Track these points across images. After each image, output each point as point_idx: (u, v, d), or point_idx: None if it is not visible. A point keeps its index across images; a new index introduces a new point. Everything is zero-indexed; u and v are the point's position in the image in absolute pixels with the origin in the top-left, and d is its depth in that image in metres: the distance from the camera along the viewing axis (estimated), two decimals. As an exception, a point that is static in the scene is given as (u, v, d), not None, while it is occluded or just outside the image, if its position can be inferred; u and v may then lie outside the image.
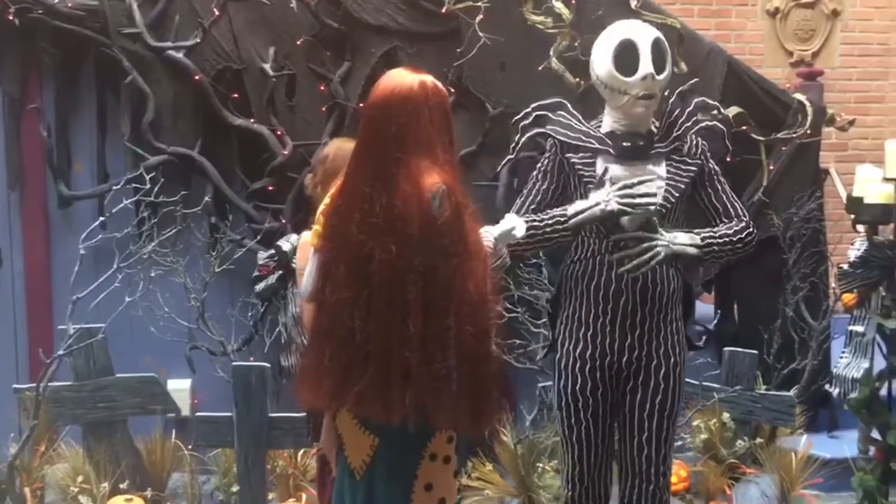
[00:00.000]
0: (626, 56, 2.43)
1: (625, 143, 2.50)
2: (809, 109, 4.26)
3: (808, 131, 4.25)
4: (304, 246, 2.68)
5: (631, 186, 2.41)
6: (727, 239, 2.53)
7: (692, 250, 2.48)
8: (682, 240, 2.48)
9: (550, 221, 2.48)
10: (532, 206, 2.57)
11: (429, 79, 2.06)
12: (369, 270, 1.97)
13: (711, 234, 2.53)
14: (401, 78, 2.05)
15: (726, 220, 2.57)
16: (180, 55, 3.90)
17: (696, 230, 2.54)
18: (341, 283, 2.01)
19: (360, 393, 1.98)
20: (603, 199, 2.42)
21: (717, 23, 5.81)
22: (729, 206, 2.59)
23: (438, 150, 2.01)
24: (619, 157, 2.50)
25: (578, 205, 2.46)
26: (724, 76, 4.19)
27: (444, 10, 3.93)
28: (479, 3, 3.88)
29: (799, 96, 4.35)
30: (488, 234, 2.28)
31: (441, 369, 1.95)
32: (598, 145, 2.51)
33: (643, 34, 2.46)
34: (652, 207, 2.44)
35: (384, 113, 2.02)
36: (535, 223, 2.48)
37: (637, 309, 2.49)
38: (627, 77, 2.43)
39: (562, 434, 2.61)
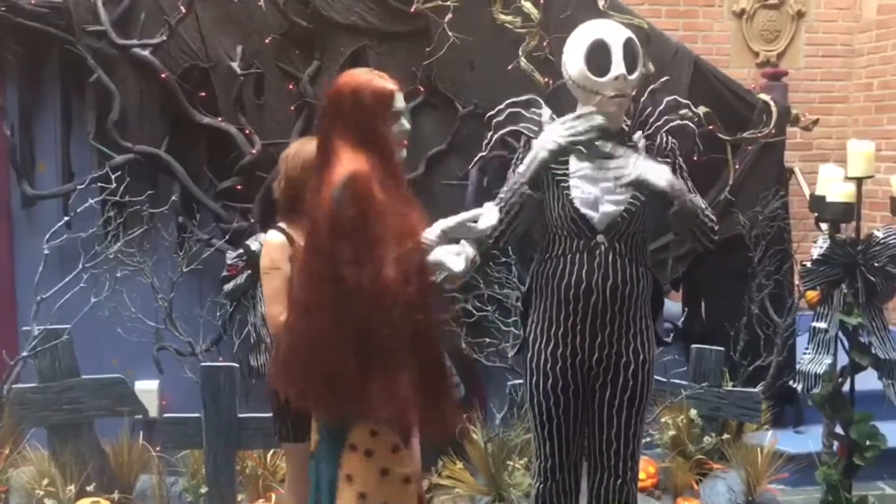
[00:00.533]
0: (598, 56, 2.45)
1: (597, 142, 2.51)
2: (774, 109, 4.31)
3: (773, 131, 4.31)
4: (267, 245, 2.67)
5: (574, 122, 2.44)
6: (701, 208, 2.54)
7: (662, 183, 2.45)
8: (653, 167, 2.46)
9: (510, 193, 2.50)
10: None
11: (359, 79, 2.20)
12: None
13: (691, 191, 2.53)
14: (346, 76, 2.25)
15: None
16: (146, 53, 3.86)
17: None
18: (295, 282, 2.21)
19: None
20: (544, 141, 2.45)
21: (685, 23, 5.87)
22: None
23: (365, 140, 2.13)
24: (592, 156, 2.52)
25: (527, 159, 2.49)
26: (691, 76, 4.24)
27: (413, 10, 3.93)
28: (448, 3, 3.88)
29: (764, 96, 4.41)
30: (436, 231, 2.19)
31: (355, 368, 2.03)
32: (550, 131, 2.53)
33: (615, 34, 2.48)
34: (597, 124, 2.45)
35: (333, 103, 2.20)
36: (501, 203, 2.50)
37: (607, 307, 2.51)
38: (600, 77, 2.45)
39: (533, 430, 2.64)
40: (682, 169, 2.61)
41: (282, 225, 2.69)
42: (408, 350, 2.07)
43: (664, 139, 2.59)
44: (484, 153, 2.73)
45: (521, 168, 2.50)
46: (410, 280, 2.04)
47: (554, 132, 2.46)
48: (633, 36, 2.51)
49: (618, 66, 2.43)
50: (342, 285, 2.01)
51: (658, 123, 2.58)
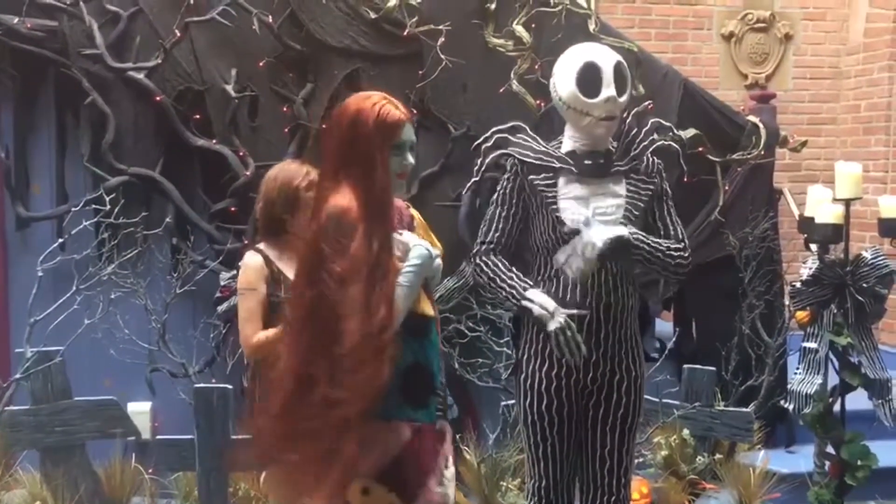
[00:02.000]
0: (588, 78, 2.49)
1: (586, 161, 2.55)
2: (763, 131, 4.36)
3: (762, 152, 4.36)
4: (244, 266, 2.68)
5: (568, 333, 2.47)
6: (659, 247, 2.54)
7: (622, 231, 2.47)
8: (609, 230, 2.48)
9: (508, 288, 2.53)
10: (496, 234, 2.60)
11: (360, 104, 2.09)
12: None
13: (644, 235, 2.55)
14: (353, 99, 2.14)
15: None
16: (141, 76, 3.89)
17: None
18: None
19: None
20: (549, 317, 2.47)
21: (674, 46, 5.94)
22: (670, 227, 2.63)
23: (373, 165, 2.04)
24: (580, 175, 2.55)
25: (535, 303, 2.50)
26: (681, 98, 4.28)
27: (405, 33, 3.97)
28: (441, 27, 3.93)
29: (753, 118, 4.46)
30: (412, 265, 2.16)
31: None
32: (559, 164, 2.56)
33: (605, 57, 2.52)
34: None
35: (331, 127, 2.14)
36: (498, 282, 2.54)
37: (601, 326, 2.53)
38: (590, 99, 2.48)
39: (527, 450, 2.64)
40: (666, 194, 2.64)
41: (261, 246, 2.71)
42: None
43: (650, 160, 2.62)
44: (476, 179, 2.76)
45: (528, 294, 2.51)
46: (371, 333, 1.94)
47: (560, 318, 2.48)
48: (622, 59, 2.55)
49: (608, 88, 2.47)
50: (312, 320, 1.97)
51: (644, 143, 2.61)
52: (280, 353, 2.06)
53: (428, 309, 2.22)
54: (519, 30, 4.01)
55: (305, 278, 2.00)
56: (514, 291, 2.52)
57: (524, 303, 2.50)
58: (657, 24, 5.92)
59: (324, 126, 2.23)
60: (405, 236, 2.16)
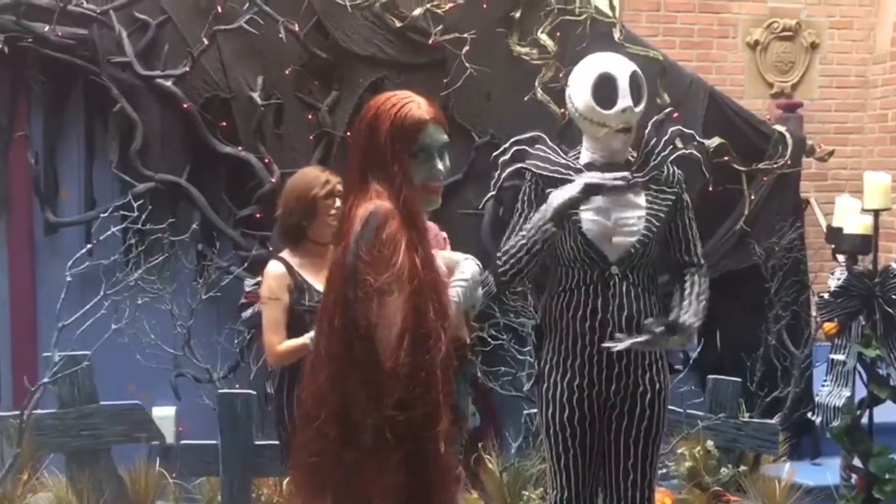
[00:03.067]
0: (604, 89, 2.47)
1: (605, 173, 2.53)
2: (789, 140, 4.34)
3: (789, 162, 4.33)
4: (266, 275, 2.68)
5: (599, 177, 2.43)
6: (701, 302, 2.56)
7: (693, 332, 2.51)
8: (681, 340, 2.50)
9: (534, 231, 2.46)
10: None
11: (382, 105, 1.84)
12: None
13: (695, 313, 2.53)
14: (377, 99, 1.88)
15: (685, 258, 2.61)
16: (169, 84, 3.93)
17: (683, 316, 2.52)
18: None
19: None
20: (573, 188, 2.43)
21: (699, 54, 5.91)
22: (689, 242, 2.61)
23: (391, 174, 1.78)
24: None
25: (553, 202, 2.45)
26: (706, 107, 4.27)
27: (431, 42, 3.98)
28: (466, 35, 3.94)
29: (779, 127, 4.43)
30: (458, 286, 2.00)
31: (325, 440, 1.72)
32: (576, 177, 2.55)
33: (621, 67, 2.50)
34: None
35: (359, 132, 1.88)
36: (521, 242, 2.48)
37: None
38: (606, 110, 2.48)
39: (549, 461, 2.63)
40: (687, 205, 2.62)
41: (283, 255, 2.72)
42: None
43: (670, 170, 2.61)
44: (493, 192, 2.75)
45: (544, 207, 2.47)
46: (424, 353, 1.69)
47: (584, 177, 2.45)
48: (637, 69, 2.53)
49: (624, 99, 2.46)
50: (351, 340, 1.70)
51: (664, 153, 2.60)
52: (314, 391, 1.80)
53: (465, 335, 2.00)
54: (543, 38, 4.01)
55: (339, 302, 1.74)
56: (537, 222, 2.46)
57: (552, 211, 2.43)
58: (682, 33, 5.90)
59: (348, 133, 2.02)
60: (448, 252, 2.05)
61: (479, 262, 2.04)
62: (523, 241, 2.48)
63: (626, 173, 2.46)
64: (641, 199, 2.54)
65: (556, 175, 2.56)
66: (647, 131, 2.64)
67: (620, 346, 2.41)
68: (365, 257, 1.70)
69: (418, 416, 1.67)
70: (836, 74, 6.10)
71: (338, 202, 2.59)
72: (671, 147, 2.61)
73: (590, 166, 2.55)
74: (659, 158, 2.59)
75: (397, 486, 1.68)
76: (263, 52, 4.01)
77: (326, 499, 1.80)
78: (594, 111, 2.48)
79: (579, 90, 2.52)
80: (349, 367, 1.72)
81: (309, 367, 1.84)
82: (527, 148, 2.64)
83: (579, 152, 2.62)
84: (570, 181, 2.53)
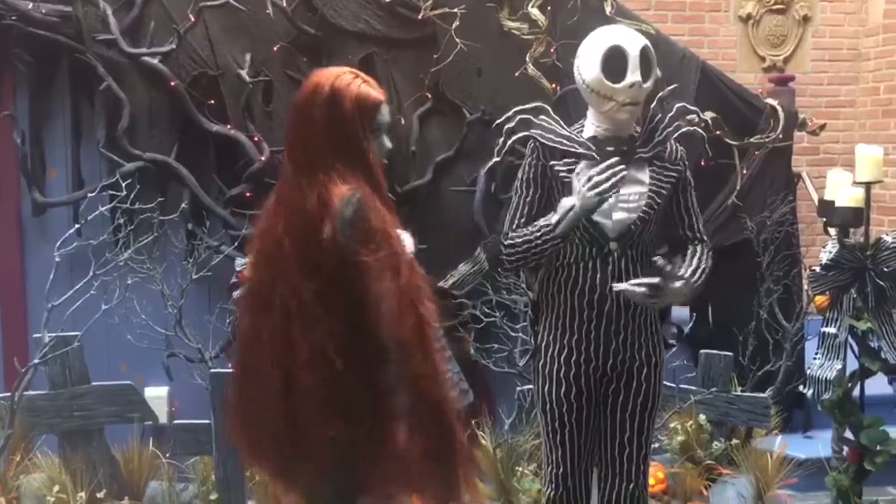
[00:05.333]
0: (614, 62, 2.44)
1: (608, 148, 2.51)
2: (781, 114, 4.32)
3: (781, 136, 4.31)
4: None
5: (598, 176, 2.39)
6: (700, 270, 2.56)
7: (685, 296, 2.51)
8: (679, 289, 2.48)
9: (539, 234, 2.47)
10: (522, 220, 2.56)
11: (334, 83, 1.84)
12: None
13: (693, 272, 2.54)
14: (321, 76, 1.87)
15: (688, 234, 2.60)
16: (156, 61, 3.88)
17: (681, 270, 2.52)
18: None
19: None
20: (576, 199, 2.42)
21: (691, 28, 5.87)
22: (692, 220, 2.61)
23: (362, 152, 1.82)
24: (602, 161, 2.51)
25: (560, 210, 2.46)
26: (698, 81, 4.25)
27: (420, 17, 3.94)
28: (456, 10, 3.90)
29: (771, 101, 4.41)
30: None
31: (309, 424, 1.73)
32: (581, 150, 2.53)
33: (632, 41, 2.47)
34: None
35: (304, 111, 1.86)
36: (528, 237, 2.49)
37: (621, 313, 2.51)
38: (614, 83, 2.45)
39: (545, 436, 2.63)
40: (689, 182, 2.61)
41: None
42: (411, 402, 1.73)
43: (673, 147, 2.59)
44: (497, 159, 2.74)
45: (555, 218, 2.45)
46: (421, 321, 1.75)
47: (585, 188, 2.41)
48: (648, 44, 2.51)
49: (633, 73, 2.43)
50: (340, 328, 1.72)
51: (669, 130, 2.58)
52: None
53: None
54: (534, 13, 3.97)
55: (327, 281, 1.73)
56: (544, 229, 2.46)
57: (559, 228, 2.43)
58: (674, 7, 5.86)
59: (291, 109, 1.93)
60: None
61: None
62: (530, 242, 2.48)
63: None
64: (644, 176, 2.52)
65: (559, 146, 2.54)
66: (652, 106, 2.62)
67: (622, 286, 2.41)
68: (360, 238, 1.72)
69: (426, 382, 1.72)
70: (828, 48, 6.07)
71: None
72: (676, 123, 2.60)
73: (594, 140, 2.53)
74: (663, 134, 2.57)
75: (417, 453, 1.71)
76: (251, 28, 3.96)
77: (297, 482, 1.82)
78: (602, 84, 2.45)
79: (588, 62, 2.49)
80: (339, 340, 1.72)
81: (268, 340, 1.82)
82: (531, 118, 2.62)
83: (582, 126, 2.60)
84: (574, 153, 2.51)
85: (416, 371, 1.71)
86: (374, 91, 1.87)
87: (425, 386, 1.73)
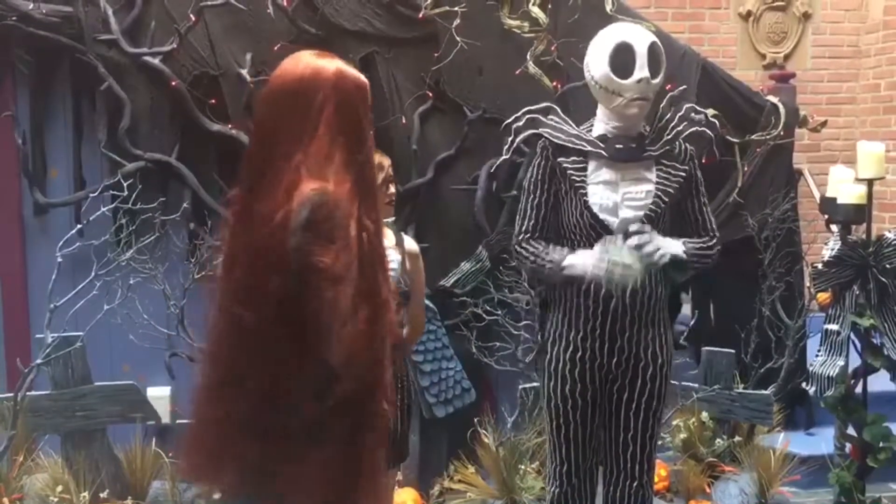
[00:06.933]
0: (622, 58, 2.46)
1: (617, 145, 2.52)
2: (782, 111, 4.32)
3: (782, 133, 4.31)
4: None
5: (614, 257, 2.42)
6: (699, 251, 2.57)
7: (681, 255, 2.51)
8: (671, 245, 2.51)
9: (546, 266, 2.52)
10: (531, 223, 2.58)
11: (333, 66, 1.72)
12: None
13: (691, 243, 2.56)
14: (297, 61, 1.74)
15: (701, 234, 2.61)
16: (156, 61, 3.88)
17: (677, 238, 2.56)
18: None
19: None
20: (591, 265, 2.44)
21: (691, 26, 5.87)
22: (705, 220, 2.63)
23: (336, 150, 1.65)
24: (610, 159, 2.52)
25: (572, 259, 2.49)
26: (699, 79, 4.24)
27: (421, 15, 3.94)
28: (456, 9, 3.89)
29: (772, 98, 4.41)
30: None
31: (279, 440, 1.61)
32: (589, 148, 2.53)
33: (640, 38, 2.49)
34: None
35: (273, 99, 1.74)
36: (536, 262, 2.53)
37: (626, 312, 2.51)
38: (623, 79, 2.45)
39: (550, 433, 2.64)
40: (699, 182, 2.61)
41: None
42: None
43: (682, 146, 2.59)
44: (506, 157, 2.74)
45: (567, 261, 2.49)
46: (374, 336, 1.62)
47: (602, 259, 2.43)
48: (657, 41, 2.51)
49: (641, 69, 2.44)
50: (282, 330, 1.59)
51: (678, 129, 2.58)
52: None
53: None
54: (535, 11, 3.97)
55: (275, 275, 1.60)
56: (555, 262, 2.50)
57: (564, 272, 2.48)
58: (674, 4, 5.86)
59: (266, 91, 1.79)
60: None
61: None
62: (535, 266, 2.54)
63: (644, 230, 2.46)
64: (652, 174, 2.53)
65: (569, 144, 2.54)
66: (661, 106, 2.63)
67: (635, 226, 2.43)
68: (316, 241, 1.58)
69: (365, 390, 1.62)
70: (828, 44, 6.07)
71: (391, 188, 2.56)
72: (685, 123, 2.60)
73: (603, 138, 2.54)
74: (672, 134, 2.57)
75: (333, 463, 1.62)
76: (251, 27, 3.95)
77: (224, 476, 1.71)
78: (610, 80, 2.47)
79: (597, 58, 2.51)
80: (285, 342, 1.61)
81: (216, 341, 1.74)
82: (539, 117, 2.63)
83: (591, 125, 2.61)
84: (583, 150, 2.52)
85: (353, 383, 1.60)
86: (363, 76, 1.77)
87: (361, 398, 1.62)
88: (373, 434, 1.68)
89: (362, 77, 1.75)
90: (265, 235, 1.60)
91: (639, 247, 2.42)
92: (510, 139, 2.66)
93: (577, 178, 2.51)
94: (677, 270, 2.54)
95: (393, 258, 2.06)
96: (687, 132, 2.60)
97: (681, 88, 2.84)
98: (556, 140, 2.55)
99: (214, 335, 1.75)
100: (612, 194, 2.49)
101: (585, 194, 2.49)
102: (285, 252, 1.58)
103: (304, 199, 1.59)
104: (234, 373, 1.68)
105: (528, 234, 2.57)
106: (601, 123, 2.56)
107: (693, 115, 2.63)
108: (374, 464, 1.71)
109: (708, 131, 2.69)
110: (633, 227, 2.44)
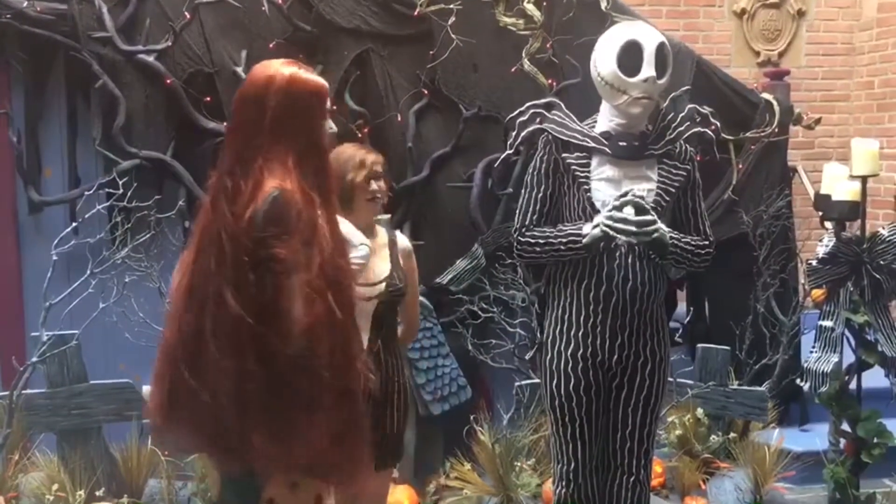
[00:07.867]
0: (629, 57, 2.47)
1: (620, 143, 2.53)
2: (777, 108, 4.33)
3: (776, 130, 4.32)
4: None
5: (621, 209, 2.42)
6: (688, 246, 2.57)
7: (668, 240, 2.51)
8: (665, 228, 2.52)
9: (565, 240, 2.50)
10: (534, 216, 2.58)
11: (287, 71, 1.86)
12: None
13: (680, 237, 2.56)
14: (262, 69, 1.88)
15: (694, 234, 2.61)
16: (151, 59, 3.87)
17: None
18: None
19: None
20: (601, 222, 2.44)
21: (685, 23, 5.88)
22: (699, 222, 2.63)
23: (289, 153, 1.80)
24: (613, 156, 2.53)
25: (587, 227, 2.48)
26: (693, 76, 4.24)
27: (416, 13, 3.94)
28: (452, 6, 3.89)
29: (766, 95, 4.42)
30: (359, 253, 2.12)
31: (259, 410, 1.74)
32: (593, 144, 2.54)
33: (649, 37, 2.49)
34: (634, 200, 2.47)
35: (236, 106, 1.88)
36: (551, 240, 2.50)
37: (627, 309, 2.52)
38: (629, 77, 2.46)
39: (555, 432, 2.63)
40: (697, 184, 2.62)
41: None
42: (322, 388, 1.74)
43: (683, 147, 2.60)
44: (510, 151, 2.75)
45: (585, 229, 2.47)
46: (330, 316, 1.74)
47: (605, 216, 2.44)
48: (666, 42, 2.52)
49: (648, 68, 2.45)
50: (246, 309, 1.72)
51: (680, 129, 2.59)
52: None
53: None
54: (530, 8, 3.97)
55: (238, 269, 1.74)
56: (572, 237, 2.48)
57: (585, 241, 2.46)
58: (668, 2, 5.87)
59: (234, 98, 1.92)
60: (344, 225, 2.01)
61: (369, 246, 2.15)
62: (552, 245, 2.50)
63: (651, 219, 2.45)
64: (653, 173, 2.55)
65: (572, 140, 2.55)
66: (664, 105, 2.64)
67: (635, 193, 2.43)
68: (275, 232, 1.73)
69: (333, 372, 1.74)
70: (822, 42, 6.09)
71: (374, 185, 2.52)
72: (687, 123, 2.61)
73: (606, 135, 2.55)
74: (675, 133, 2.58)
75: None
76: (246, 25, 3.95)
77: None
78: (617, 77, 2.48)
79: (605, 54, 2.51)
80: (247, 336, 1.73)
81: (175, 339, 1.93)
82: (544, 112, 2.63)
83: (594, 121, 2.61)
84: (587, 146, 2.52)
85: (322, 361, 1.73)
86: (319, 77, 1.93)
87: (333, 376, 1.75)
88: (349, 405, 1.79)
89: (320, 81, 1.90)
90: (239, 231, 1.75)
91: (640, 208, 2.41)
92: (514, 134, 2.66)
93: (581, 174, 2.52)
94: (658, 250, 2.51)
95: (361, 252, 2.11)
96: (688, 133, 2.61)
97: (684, 89, 2.85)
98: (559, 135, 2.56)
99: (178, 297, 1.92)
100: (615, 191, 2.50)
101: (588, 190, 2.50)
102: (250, 243, 1.74)
103: (264, 195, 1.75)
104: (190, 333, 1.87)
105: (531, 228, 2.57)
106: (605, 120, 2.57)
107: (696, 115, 2.64)
108: (352, 434, 1.81)
109: (709, 132, 2.70)
110: (632, 194, 2.43)
